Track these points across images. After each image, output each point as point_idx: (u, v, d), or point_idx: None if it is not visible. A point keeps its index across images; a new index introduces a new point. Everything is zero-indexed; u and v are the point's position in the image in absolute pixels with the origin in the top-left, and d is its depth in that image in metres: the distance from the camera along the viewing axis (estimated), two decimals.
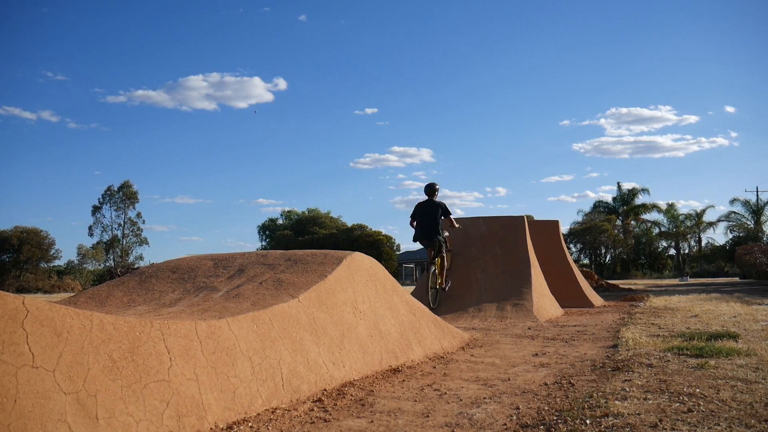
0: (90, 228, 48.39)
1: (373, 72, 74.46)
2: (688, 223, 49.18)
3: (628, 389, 3.69)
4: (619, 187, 51.43)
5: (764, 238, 42.88)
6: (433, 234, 8.62)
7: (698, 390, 3.59)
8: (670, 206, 49.77)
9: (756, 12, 62.30)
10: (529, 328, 7.80)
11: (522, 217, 11.70)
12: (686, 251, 50.84)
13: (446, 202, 9.11)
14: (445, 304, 10.02)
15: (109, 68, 66.60)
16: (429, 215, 8.65)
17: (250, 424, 3.05)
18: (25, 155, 63.75)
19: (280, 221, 59.19)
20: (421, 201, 8.86)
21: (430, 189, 8.80)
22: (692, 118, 65.71)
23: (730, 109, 66.45)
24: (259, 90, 65.98)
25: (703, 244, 49.90)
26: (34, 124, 61.11)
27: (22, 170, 62.85)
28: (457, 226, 9.08)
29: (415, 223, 8.78)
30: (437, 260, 8.81)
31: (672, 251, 51.50)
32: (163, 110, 65.38)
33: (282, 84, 66.02)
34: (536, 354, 5.52)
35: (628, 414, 3.08)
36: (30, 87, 62.35)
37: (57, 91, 63.27)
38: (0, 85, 60.15)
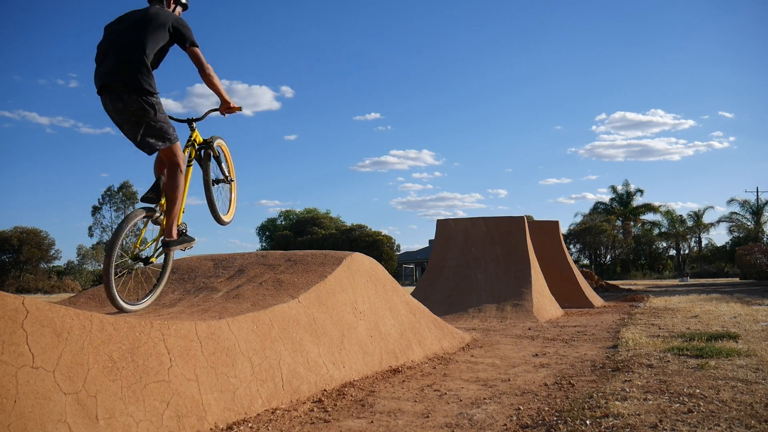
0: (90, 228, 48.44)
1: (375, 78, 75.13)
2: (689, 223, 49.21)
3: (628, 390, 3.69)
4: (614, 189, 51.72)
5: (764, 239, 42.88)
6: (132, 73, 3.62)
7: (698, 390, 3.58)
8: (669, 212, 49.92)
9: (751, 16, 62.50)
10: (529, 329, 7.80)
11: (522, 217, 11.71)
12: (686, 252, 50.86)
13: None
14: (445, 304, 10.02)
15: None
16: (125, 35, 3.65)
17: (250, 425, 3.05)
18: (37, 158, 64.34)
19: (279, 221, 59.15)
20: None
21: None
22: (688, 122, 66.06)
23: (725, 113, 66.87)
24: (267, 98, 66.87)
25: (703, 244, 49.93)
26: (47, 128, 61.72)
27: (30, 172, 63.30)
28: (228, 99, 4.08)
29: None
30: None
31: (672, 252, 51.53)
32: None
33: (288, 92, 66.94)
34: (536, 354, 5.51)
35: (628, 414, 3.08)
36: (44, 93, 63.15)
37: (70, 97, 64.18)
38: (7, 90, 60.86)
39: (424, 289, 10.95)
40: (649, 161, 67.82)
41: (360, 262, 5.25)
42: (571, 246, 47.77)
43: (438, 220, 12.21)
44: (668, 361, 4.73)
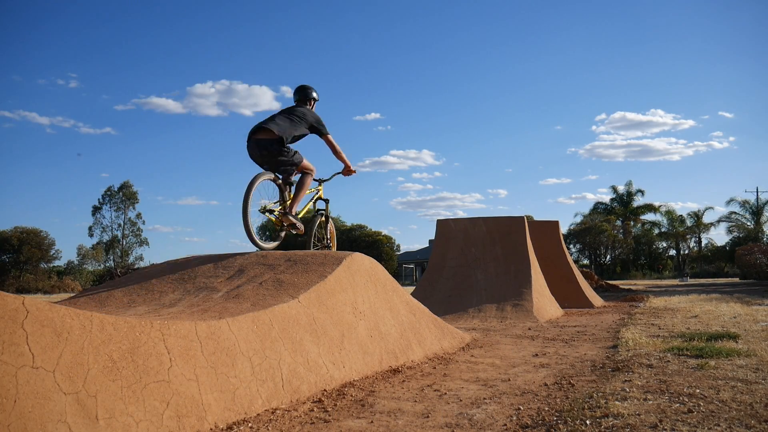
0: (90, 228, 48.43)
1: (375, 78, 75.40)
2: (689, 223, 49.24)
3: (628, 390, 3.69)
4: (614, 189, 51.96)
5: (764, 239, 42.90)
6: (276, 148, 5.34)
7: (698, 390, 3.59)
8: (669, 212, 49.98)
9: (751, 16, 62.62)
10: (529, 329, 7.80)
11: (522, 217, 11.70)
12: (686, 252, 50.88)
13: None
14: (445, 304, 10.02)
15: (121, 76, 68.05)
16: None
17: (250, 425, 3.05)
18: (37, 158, 64.58)
19: None
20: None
21: (303, 93, 5.83)
22: (688, 122, 66.27)
23: (725, 113, 67.08)
24: (267, 98, 67.23)
25: (703, 244, 49.93)
26: (47, 128, 62.00)
27: (30, 172, 63.49)
28: (351, 167, 6.11)
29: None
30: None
31: (672, 252, 51.55)
32: (173, 116, 66.58)
33: (288, 92, 67.49)
34: (536, 354, 5.52)
35: (628, 414, 3.08)
36: (44, 93, 63.47)
37: (70, 97, 64.59)
38: (7, 90, 61.18)
39: (424, 289, 10.95)
40: (649, 161, 68.04)
41: (360, 262, 5.26)
42: (571, 246, 47.79)
43: (438, 220, 12.21)
44: (668, 361, 4.74)
